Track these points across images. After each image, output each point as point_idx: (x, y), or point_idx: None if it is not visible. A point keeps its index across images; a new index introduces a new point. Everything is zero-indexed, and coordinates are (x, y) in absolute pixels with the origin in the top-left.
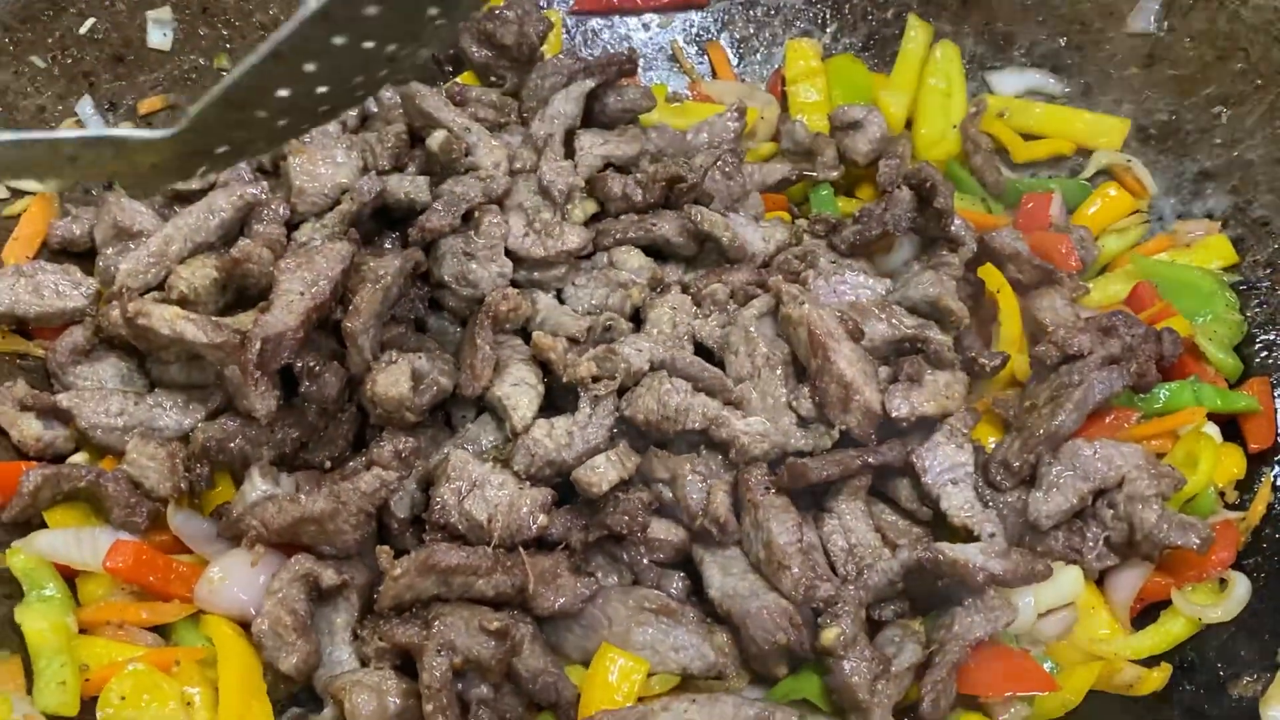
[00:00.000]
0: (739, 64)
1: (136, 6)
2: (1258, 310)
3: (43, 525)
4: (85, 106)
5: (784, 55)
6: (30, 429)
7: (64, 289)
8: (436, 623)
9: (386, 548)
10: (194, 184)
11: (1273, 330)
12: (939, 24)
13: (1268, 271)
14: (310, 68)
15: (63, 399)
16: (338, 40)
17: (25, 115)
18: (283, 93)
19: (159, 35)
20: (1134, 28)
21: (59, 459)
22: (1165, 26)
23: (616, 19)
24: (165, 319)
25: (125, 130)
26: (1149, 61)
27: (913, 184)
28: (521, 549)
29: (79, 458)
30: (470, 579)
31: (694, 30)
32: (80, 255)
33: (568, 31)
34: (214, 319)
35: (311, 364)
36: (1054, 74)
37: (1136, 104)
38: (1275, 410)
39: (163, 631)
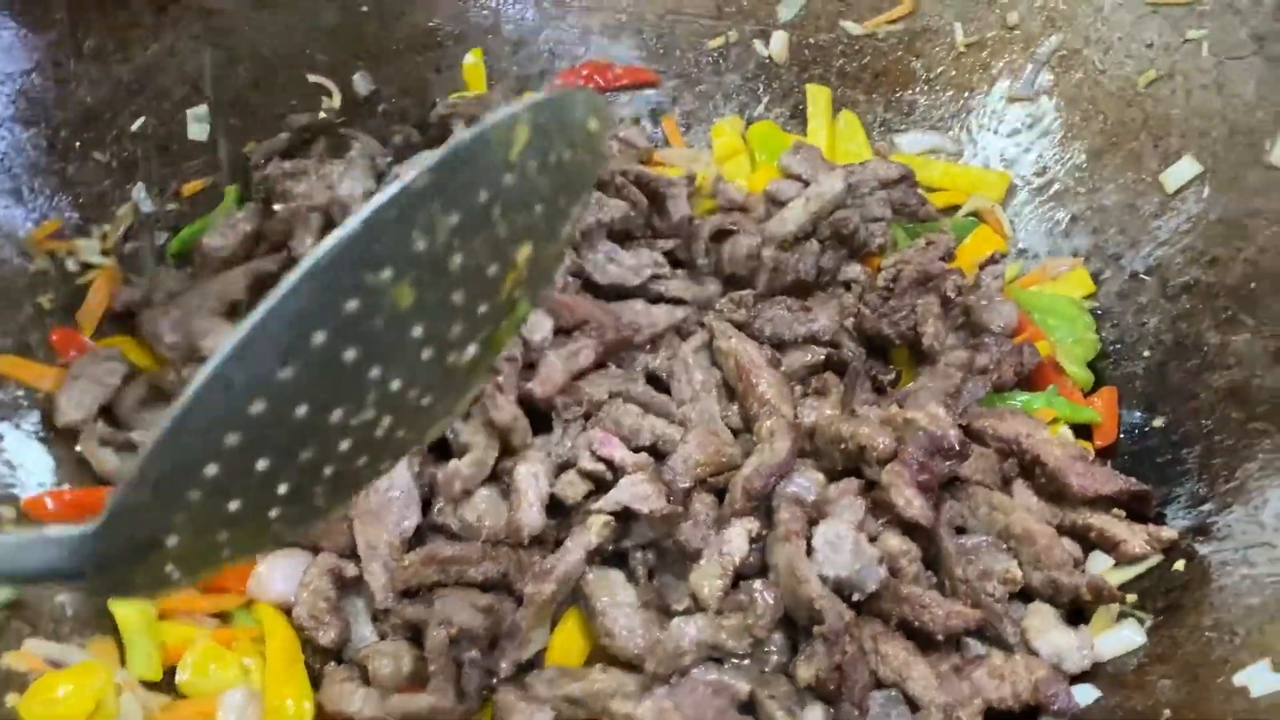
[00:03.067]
0: (687, 132)
1: (179, 105)
2: (1110, 331)
3: None
4: (139, 191)
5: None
6: (110, 461)
7: (106, 380)
8: (437, 602)
9: (401, 545)
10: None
11: (1121, 347)
12: (854, 94)
13: (1119, 298)
14: (234, 439)
15: (135, 435)
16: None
17: (91, 200)
18: (211, 470)
19: (198, 128)
20: (1014, 94)
21: None
22: (1039, 91)
23: None
24: None
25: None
26: (1028, 122)
27: (841, 233)
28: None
29: None
30: (464, 567)
31: (649, 105)
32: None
33: None
34: None
35: None
36: (948, 135)
37: (1018, 159)
38: (1118, 415)
39: (222, 616)
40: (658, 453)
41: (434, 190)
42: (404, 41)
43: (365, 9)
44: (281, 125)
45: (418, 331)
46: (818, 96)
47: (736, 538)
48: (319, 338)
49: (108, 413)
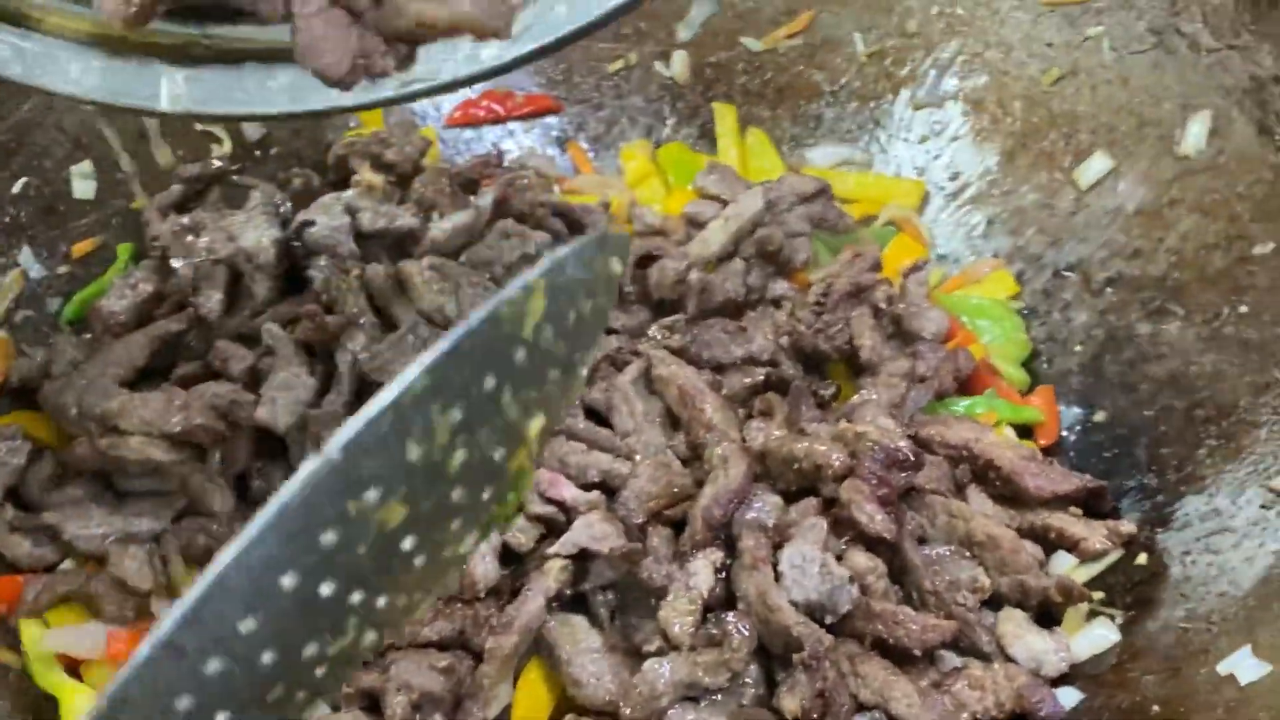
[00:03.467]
0: (595, 158)
1: (61, 163)
2: (1039, 330)
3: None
4: (26, 256)
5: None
6: (22, 547)
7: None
8: (393, 667)
9: None
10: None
11: (1052, 344)
12: (759, 110)
13: (1044, 297)
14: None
15: (47, 517)
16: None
17: None
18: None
19: (83, 186)
20: (919, 101)
21: (50, 568)
22: (944, 97)
23: (485, 129)
24: (133, 447)
25: None
26: (936, 128)
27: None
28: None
29: (68, 565)
30: (417, 628)
31: (554, 133)
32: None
33: (444, 143)
34: (167, 442)
35: (259, 465)
36: (858, 146)
37: (929, 166)
38: (1057, 412)
39: None
40: (607, 489)
41: (433, 391)
42: None
43: None
44: (172, 177)
45: (409, 544)
46: (725, 115)
47: (702, 570)
48: (288, 581)
49: (15, 496)
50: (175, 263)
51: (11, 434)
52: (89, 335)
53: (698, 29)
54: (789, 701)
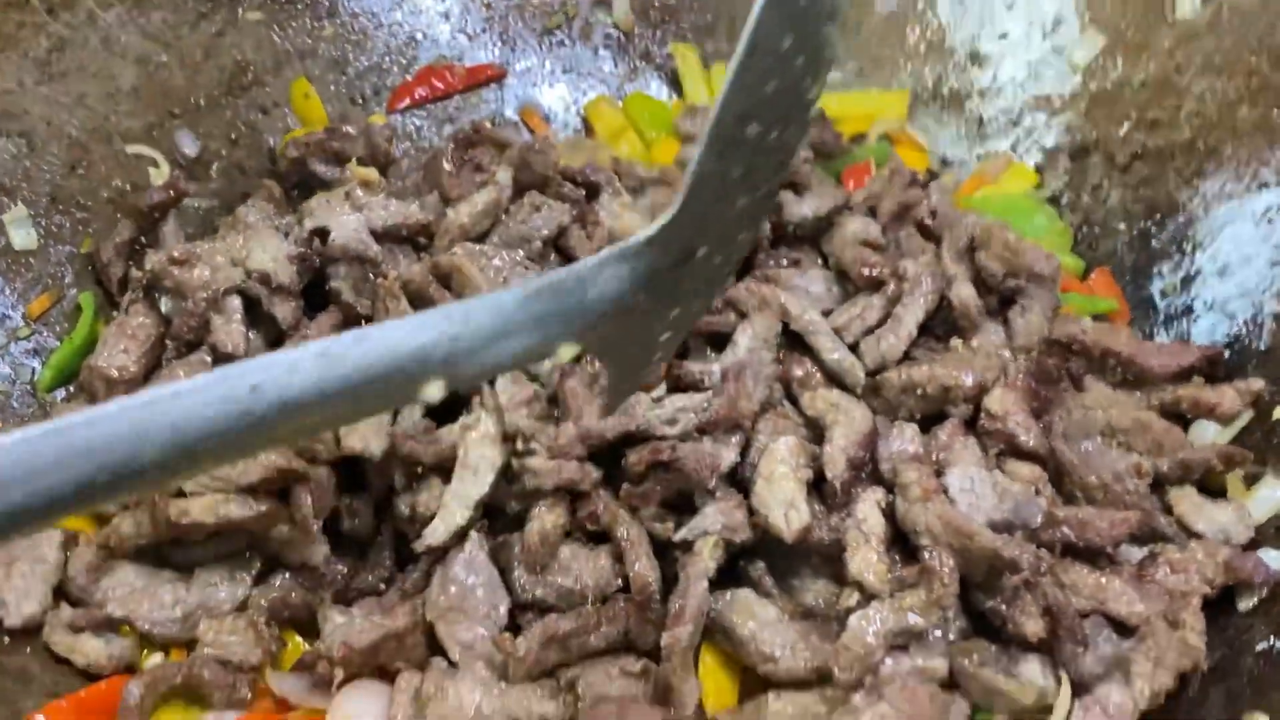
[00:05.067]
0: (552, 121)
1: None
2: (1074, 216)
3: None
4: None
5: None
6: (94, 649)
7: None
8: (579, 683)
9: (505, 635)
10: None
11: (1092, 228)
12: (715, 44)
13: (1069, 183)
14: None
15: (113, 609)
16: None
17: None
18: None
19: (22, 236)
20: (881, 10)
21: (129, 668)
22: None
23: (431, 108)
24: (207, 508)
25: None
26: (904, 36)
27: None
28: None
29: (157, 658)
30: (584, 638)
31: (504, 100)
32: None
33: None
34: (244, 496)
35: (347, 502)
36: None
37: (908, 74)
38: (1120, 292)
39: None
40: None
41: None
42: (216, 86)
43: (164, 59)
44: (120, 210)
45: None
46: (687, 55)
47: (870, 514)
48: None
49: (61, 593)
50: (165, 304)
51: None
52: (86, 400)
53: None
54: (1030, 625)
